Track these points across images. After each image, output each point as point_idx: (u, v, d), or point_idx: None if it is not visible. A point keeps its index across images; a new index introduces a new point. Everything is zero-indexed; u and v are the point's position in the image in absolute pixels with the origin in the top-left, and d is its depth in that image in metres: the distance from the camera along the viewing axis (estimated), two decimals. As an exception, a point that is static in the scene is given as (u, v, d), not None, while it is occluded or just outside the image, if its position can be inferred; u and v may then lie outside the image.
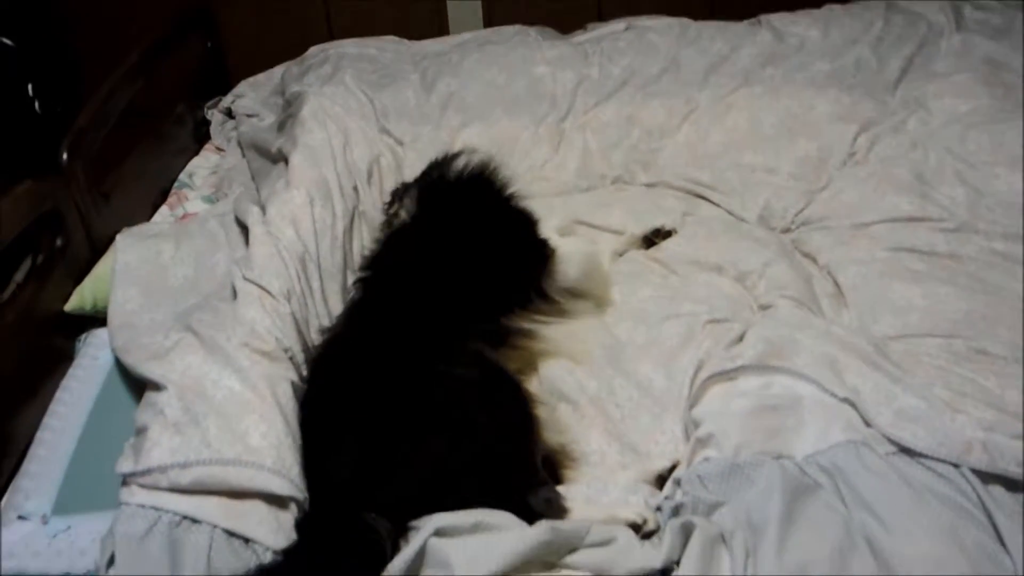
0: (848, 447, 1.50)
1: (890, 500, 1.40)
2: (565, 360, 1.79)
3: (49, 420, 1.72)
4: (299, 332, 1.77)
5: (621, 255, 2.11)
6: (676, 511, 1.43)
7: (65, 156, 2.06)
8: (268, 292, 1.78)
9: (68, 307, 1.99)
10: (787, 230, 2.18)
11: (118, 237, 2.06)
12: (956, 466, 1.45)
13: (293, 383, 1.65)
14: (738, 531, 1.35)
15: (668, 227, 2.15)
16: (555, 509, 1.46)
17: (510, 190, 1.98)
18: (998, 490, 1.43)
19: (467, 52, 2.68)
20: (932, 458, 1.46)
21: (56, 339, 1.98)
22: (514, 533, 1.32)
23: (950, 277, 1.89)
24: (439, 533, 1.32)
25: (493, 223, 1.94)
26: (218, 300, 1.83)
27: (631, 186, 2.37)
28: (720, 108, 2.40)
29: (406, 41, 2.91)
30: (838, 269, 1.96)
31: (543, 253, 1.89)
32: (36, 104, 2.19)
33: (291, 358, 1.70)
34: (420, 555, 1.31)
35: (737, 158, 2.30)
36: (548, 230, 1.94)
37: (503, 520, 1.36)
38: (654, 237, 2.14)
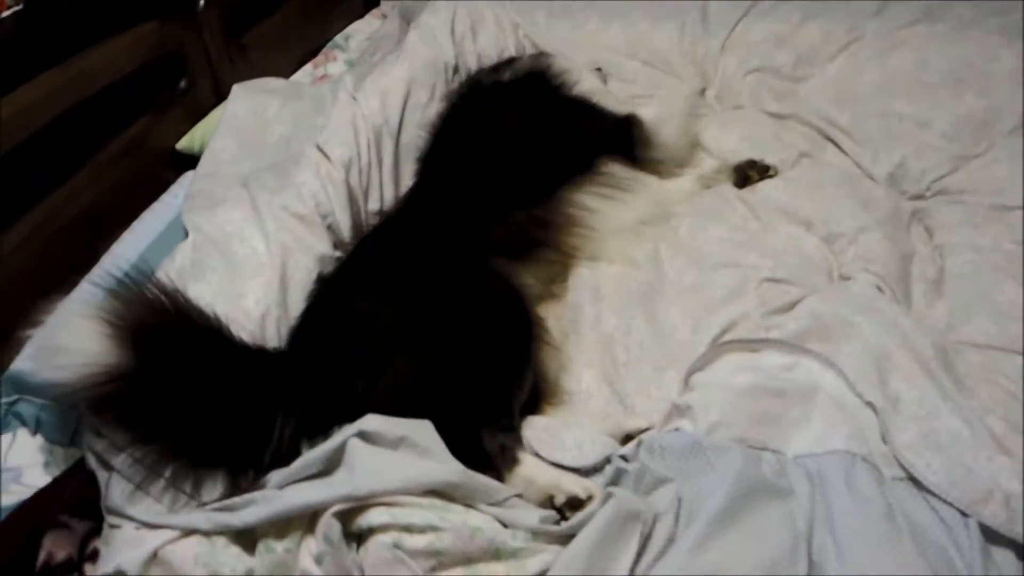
0: (843, 458, 1.30)
1: (860, 530, 1.21)
2: (604, 262, 1.74)
3: (115, 246, 1.85)
4: (350, 199, 1.80)
5: (708, 187, 1.90)
6: (616, 480, 1.31)
7: (202, 3, 2.14)
8: (327, 157, 1.80)
9: (179, 145, 2.13)
10: (918, 196, 1.85)
11: (234, 87, 2.14)
12: (966, 515, 1.21)
13: (322, 255, 1.68)
14: (668, 514, 1.22)
15: (766, 163, 1.91)
16: (506, 457, 1.37)
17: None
18: (1006, 555, 1.19)
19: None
20: (940, 499, 1.23)
21: (166, 172, 2.11)
22: (425, 464, 1.26)
23: (1078, 291, 1.53)
24: (363, 436, 1.30)
25: (549, 111, 1.91)
26: (292, 162, 1.87)
27: (753, 111, 2.10)
28: (886, 43, 2.04)
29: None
30: (951, 252, 1.66)
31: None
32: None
33: (329, 225, 1.73)
34: (341, 450, 1.30)
35: (887, 104, 1.95)
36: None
37: (429, 444, 1.29)
38: (749, 170, 1.89)
